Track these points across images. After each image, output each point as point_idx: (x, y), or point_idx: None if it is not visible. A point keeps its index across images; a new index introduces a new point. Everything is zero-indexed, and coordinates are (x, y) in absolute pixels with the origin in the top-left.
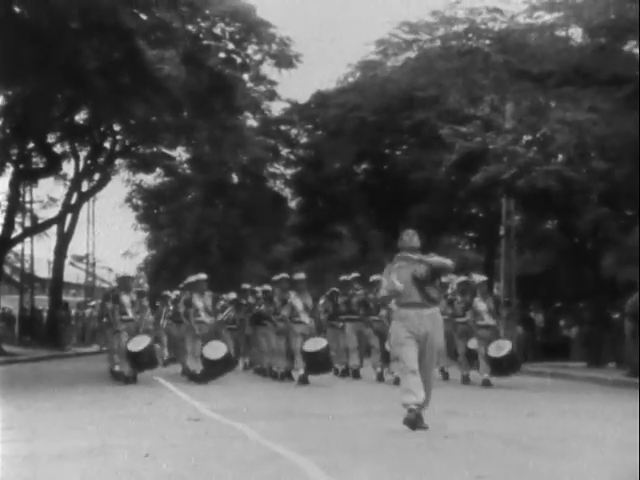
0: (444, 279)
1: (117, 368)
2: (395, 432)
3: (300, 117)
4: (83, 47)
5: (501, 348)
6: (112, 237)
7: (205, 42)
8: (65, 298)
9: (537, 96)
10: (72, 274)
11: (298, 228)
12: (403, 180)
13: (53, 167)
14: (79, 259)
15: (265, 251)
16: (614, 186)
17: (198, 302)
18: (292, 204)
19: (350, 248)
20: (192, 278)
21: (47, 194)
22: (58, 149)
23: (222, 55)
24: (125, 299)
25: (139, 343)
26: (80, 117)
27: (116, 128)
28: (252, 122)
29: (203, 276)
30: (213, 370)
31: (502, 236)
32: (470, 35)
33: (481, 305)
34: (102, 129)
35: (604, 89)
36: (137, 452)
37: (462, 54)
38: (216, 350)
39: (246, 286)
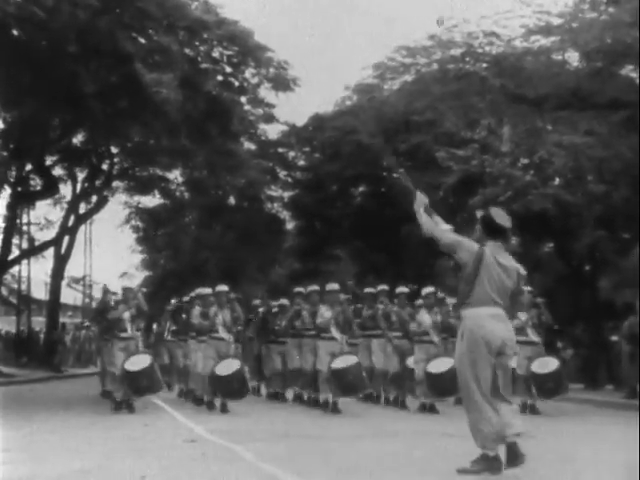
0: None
1: (109, 387)
2: (391, 453)
3: (298, 140)
4: (81, 70)
5: (546, 365)
6: (109, 259)
7: (203, 66)
8: (62, 319)
9: (534, 119)
10: (69, 296)
11: (296, 250)
12: (400, 203)
13: (50, 189)
14: (76, 281)
15: (263, 274)
16: (611, 209)
17: (217, 316)
18: (290, 226)
19: (348, 270)
20: (205, 290)
21: (44, 216)
22: (56, 172)
23: (220, 78)
24: (125, 313)
25: (138, 362)
26: (78, 140)
27: (114, 151)
28: (250, 145)
29: (224, 287)
30: (223, 388)
31: None
32: (467, 59)
33: (522, 317)
34: (99, 152)
35: (601, 113)
36: (134, 474)
37: (459, 78)
38: (228, 367)
39: (256, 302)
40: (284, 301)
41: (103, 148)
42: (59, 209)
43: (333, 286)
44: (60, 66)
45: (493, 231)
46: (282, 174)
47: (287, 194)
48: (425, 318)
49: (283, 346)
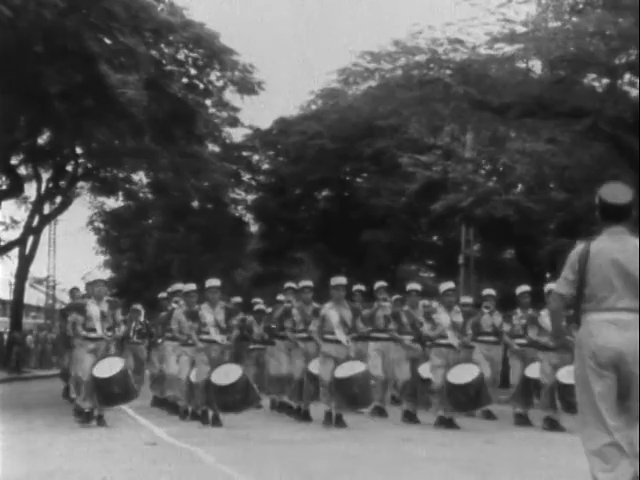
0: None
1: (78, 401)
2: (351, 457)
3: (262, 143)
4: (46, 70)
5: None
6: (73, 260)
7: (168, 68)
8: (25, 320)
9: (497, 127)
10: (33, 296)
11: (259, 253)
12: (363, 207)
13: (16, 189)
14: (39, 281)
15: (226, 276)
16: (573, 217)
17: (207, 315)
18: (253, 229)
19: (311, 274)
20: (189, 286)
21: (10, 216)
22: (21, 171)
23: (185, 81)
24: (94, 310)
25: (108, 368)
26: (43, 140)
27: (78, 151)
28: (214, 148)
29: (216, 282)
30: (225, 399)
31: (461, 265)
32: (431, 65)
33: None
34: (64, 152)
35: (563, 121)
36: (94, 476)
37: (423, 84)
38: (228, 374)
39: (237, 299)
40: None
41: (68, 148)
42: (24, 209)
43: (340, 280)
44: (26, 65)
45: (608, 213)
46: (246, 177)
47: (251, 197)
48: (443, 318)
49: (259, 352)
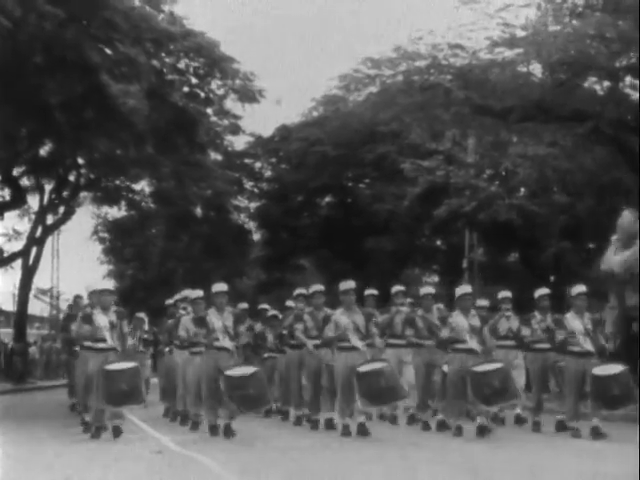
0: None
1: (87, 418)
2: (356, 463)
3: (264, 151)
4: (47, 81)
5: (609, 369)
6: (76, 270)
7: (169, 77)
8: (30, 331)
9: (498, 131)
10: (36, 307)
11: (262, 261)
12: (366, 213)
13: (18, 200)
14: (43, 292)
15: (229, 283)
16: (575, 220)
17: (215, 321)
18: (256, 237)
19: (314, 281)
20: (195, 292)
21: (12, 227)
22: (23, 183)
23: (186, 89)
24: (101, 320)
25: (120, 365)
26: (45, 151)
27: (80, 162)
28: (216, 156)
29: (223, 287)
30: (241, 393)
31: (465, 269)
32: (432, 71)
33: (576, 323)
34: (66, 163)
35: (564, 125)
36: None
37: (424, 89)
38: (243, 370)
39: (244, 305)
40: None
41: (70, 159)
42: (27, 220)
43: (349, 284)
44: (26, 77)
45: None
46: (248, 185)
47: (253, 205)
48: (460, 322)
49: (273, 360)
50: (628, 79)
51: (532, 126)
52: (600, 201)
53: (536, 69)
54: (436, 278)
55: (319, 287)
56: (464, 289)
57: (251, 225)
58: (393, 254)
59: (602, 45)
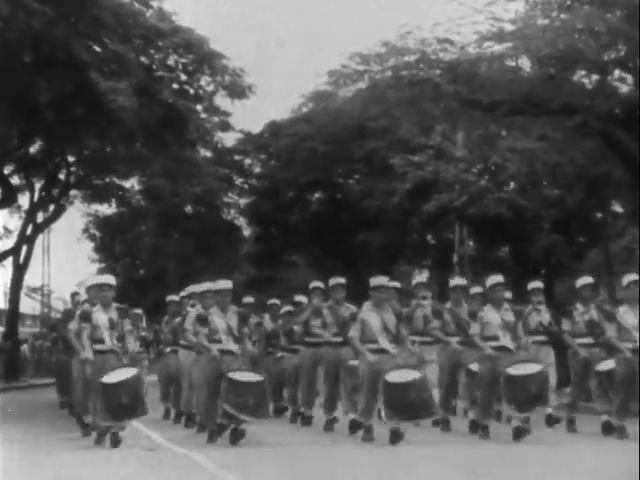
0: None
1: (89, 419)
2: (348, 459)
3: (253, 147)
4: (36, 79)
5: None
6: (67, 268)
7: (158, 73)
8: (21, 329)
9: (488, 125)
10: (27, 305)
11: (253, 257)
12: (356, 208)
13: (8, 199)
14: (34, 290)
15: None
16: (565, 213)
17: (218, 320)
18: (246, 233)
19: (305, 277)
20: (202, 285)
21: (3, 225)
22: (13, 181)
23: (175, 86)
24: (101, 318)
25: (118, 375)
26: (34, 149)
27: (70, 159)
28: (206, 152)
29: (227, 284)
30: (239, 401)
31: (455, 263)
32: (421, 65)
33: (629, 317)
34: (56, 160)
35: (554, 118)
36: None
37: (413, 84)
38: (246, 376)
39: (249, 300)
40: (301, 298)
41: (60, 157)
42: (17, 218)
43: (380, 280)
44: (16, 75)
45: None
46: (238, 181)
47: (243, 201)
48: (492, 317)
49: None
50: (617, 72)
51: (521, 120)
52: (590, 194)
53: (525, 63)
54: (427, 273)
55: (340, 280)
56: (495, 279)
57: (242, 221)
58: (383, 249)
59: (591, 39)
